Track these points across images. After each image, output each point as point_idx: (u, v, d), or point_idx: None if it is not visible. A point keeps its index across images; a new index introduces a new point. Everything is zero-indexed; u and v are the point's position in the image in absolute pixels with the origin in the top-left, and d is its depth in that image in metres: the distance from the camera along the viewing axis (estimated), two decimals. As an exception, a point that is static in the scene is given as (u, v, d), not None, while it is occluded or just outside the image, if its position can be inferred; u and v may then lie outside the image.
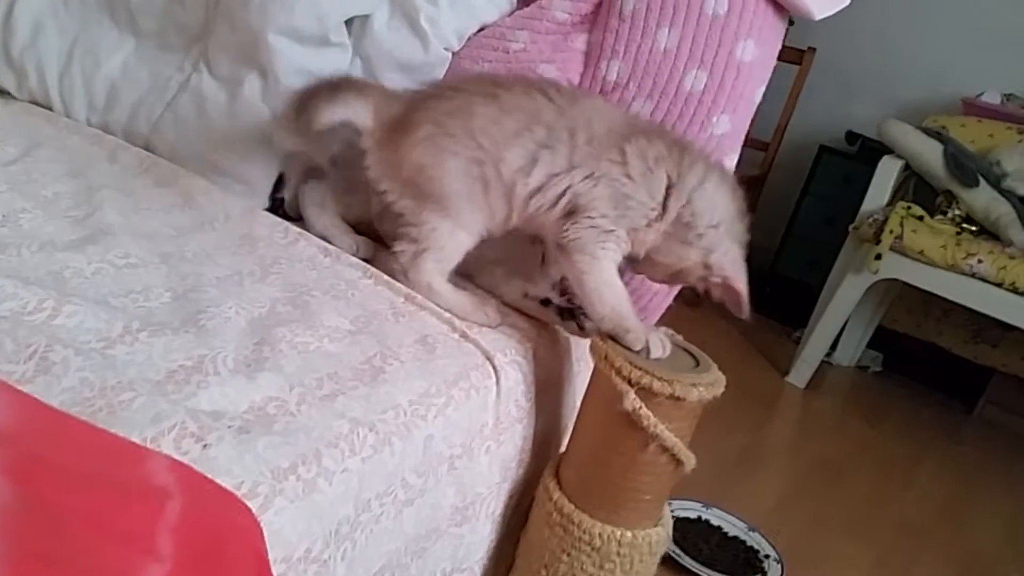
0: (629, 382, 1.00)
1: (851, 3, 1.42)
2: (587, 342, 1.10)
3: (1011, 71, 3.39)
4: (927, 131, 2.92)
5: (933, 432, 3.00)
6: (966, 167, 2.79)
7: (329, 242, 1.22)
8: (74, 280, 0.90)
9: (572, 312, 1.17)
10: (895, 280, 2.86)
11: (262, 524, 0.69)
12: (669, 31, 1.28)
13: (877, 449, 2.79)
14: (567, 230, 1.06)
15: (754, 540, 2.03)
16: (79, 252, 0.95)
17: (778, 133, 3.62)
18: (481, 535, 1.05)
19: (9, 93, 1.50)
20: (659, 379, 0.99)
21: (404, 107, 1.11)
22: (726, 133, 1.30)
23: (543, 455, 1.17)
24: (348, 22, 1.33)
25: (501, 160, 1.06)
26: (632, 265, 1.15)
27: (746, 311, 1.13)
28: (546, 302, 1.20)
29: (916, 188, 3.01)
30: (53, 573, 0.57)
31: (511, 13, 1.40)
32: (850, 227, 2.96)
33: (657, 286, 1.36)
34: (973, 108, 3.23)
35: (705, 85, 1.27)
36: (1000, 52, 3.41)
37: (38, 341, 0.75)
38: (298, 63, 1.29)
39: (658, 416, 1.00)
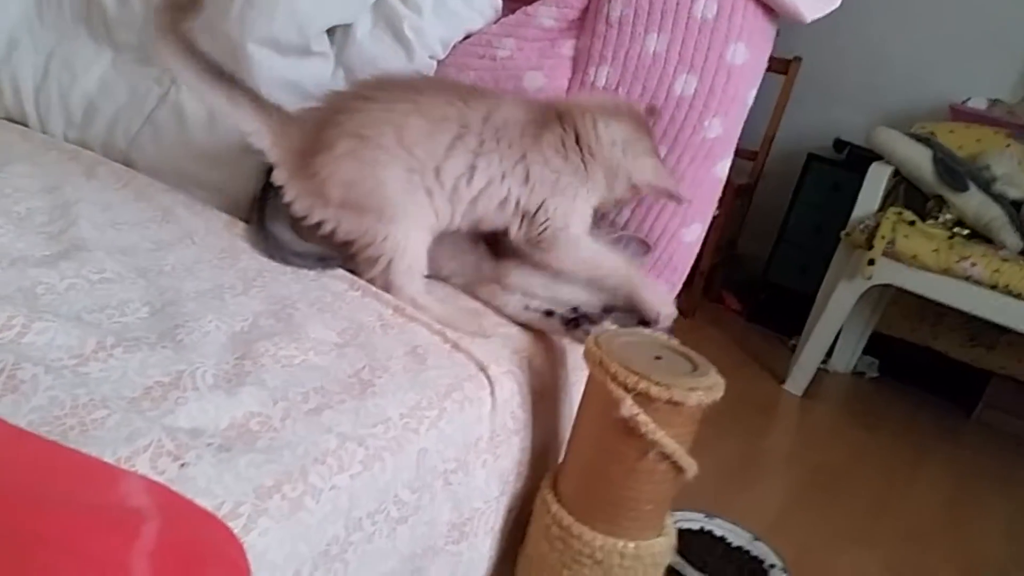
0: (625, 388, 0.96)
1: (836, 12, 1.40)
2: (581, 351, 1.07)
3: (997, 77, 3.39)
4: (915, 137, 2.91)
5: (932, 437, 2.97)
6: (956, 172, 2.78)
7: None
8: (46, 296, 0.86)
9: (577, 321, 1.14)
10: (889, 285, 2.85)
11: (245, 546, 0.65)
12: (658, 36, 1.26)
13: (877, 455, 2.76)
14: (533, 237, 1.13)
15: (759, 550, 1.99)
16: (52, 268, 0.91)
17: (766, 142, 3.63)
18: (481, 552, 1.01)
19: (-17, 111, 1.47)
20: (656, 384, 0.95)
21: (308, 128, 1.08)
22: (718, 137, 1.28)
23: (541, 467, 1.13)
24: (330, 32, 1.31)
25: (441, 169, 1.07)
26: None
27: (681, 198, 1.22)
28: (549, 313, 1.17)
29: (906, 194, 3.00)
30: (20, 603, 0.53)
31: (496, 21, 1.38)
32: (842, 233, 2.95)
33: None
34: (960, 114, 3.23)
35: (696, 89, 1.25)
36: (986, 58, 3.42)
37: (5, 359, 0.71)
38: (278, 74, 1.26)
39: (656, 422, 0.96)
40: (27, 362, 0.72)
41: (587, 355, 1.02)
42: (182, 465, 0.67)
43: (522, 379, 1.08)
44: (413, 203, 1.08)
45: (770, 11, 1.31)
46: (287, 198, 1.09)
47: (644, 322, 1.16)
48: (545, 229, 1.13)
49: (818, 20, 1.34)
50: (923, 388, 3.32)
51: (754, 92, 1.31)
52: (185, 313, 0.90)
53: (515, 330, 1.17)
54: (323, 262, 1.14)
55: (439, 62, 1.36)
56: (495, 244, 1.22)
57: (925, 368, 3.31)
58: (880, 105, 3.59)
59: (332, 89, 1.16)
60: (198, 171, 1.28)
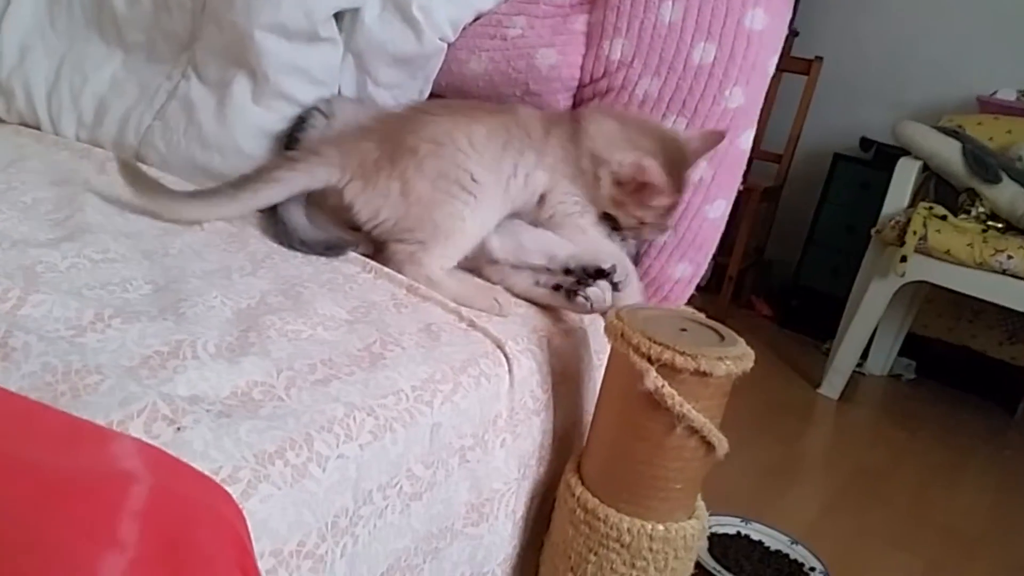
0: (649, 360, 0.92)
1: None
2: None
3: (1024, 67, 3.33)
4: (943, 130, 2.84)
5: (975, 437, 2.87)
6: (987, 163, 2.70)
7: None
8: (46, 274, 0.83)
9: (577, 292, 1.10)
10: (923, 283, 2.77)
11: (245, 512, 0.61)
12: (673, 4, 1.22)
13: (917, 457, 2.67)
14: (549, 210, 1.21)
15: (798, 553, 1.92)
16: (54, 249, 0.89)
17: (791, 144, 3.57)
18: (501, 536, 0.96)
19: (-1, 117, 1.46)
20: (681, 354, 0.91)
21: (378, 140, 1.14)
22: (740, 107, 1.23)
23: (564, 452, 1.08)
24: (338, 17, 1.29)
25: (499, 170, 1.16)
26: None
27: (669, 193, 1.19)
28: (557, 287, 1.13)
29: (937, 188, 2.92)
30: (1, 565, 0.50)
31: (507, -1, 1.35)
32: (872, 231, 2.88)
33: (674, 274, 1.30)
34: (989, 105, 3.16)
35: (715, 57, 1.21)
36: (1012, 48, 3.35)
37: (-2, 329, 0.69)
38: (287, 60, 1.24)
39: (683, 394, 0.92)
40: (20, 331, 0.70)
41: (608, 328, 0.98)
42: (178, 429, 0.64)
43: (541, 358, 1.04)
44: (488, 195, 1.14)
45: (786, -26, 1.27)
46: (355, 207, 1.13)
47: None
48: (555, 212, 1.20)
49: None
50: (962, 388, 3.21)
51: (775, 60, 1.26)
52: (189, 290, 0.87)
53: (534, 310, 1.13)
54: (330, 250, 1.12)
55: (449, 45, 1.34)
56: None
57: (963, 368, 3.21)
58: (905, 101, 3.53)
59: (384, 110, 1.27)
60: (208, 162, 1.26)
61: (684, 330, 0.99)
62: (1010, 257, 2.50)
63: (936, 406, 3.10)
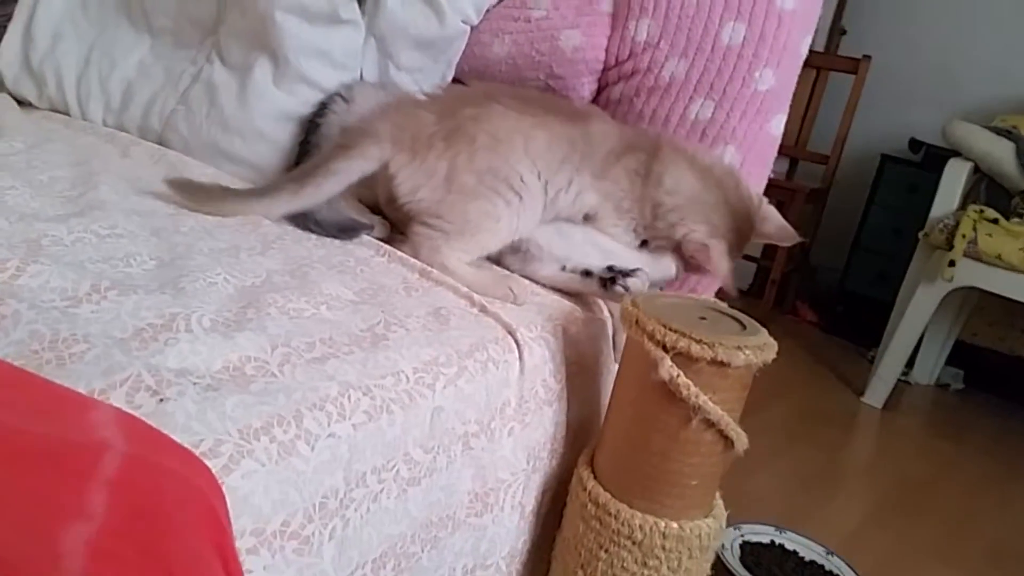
0: (664, 347, 0.88)
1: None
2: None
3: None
4: (996, 130, 2.74)
5: (1024, 451, 2.77)
6: (1043, 165, 2.61)
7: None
8: (50, 247, 0.82)
9: (614, 280, 1.07)
10: (972, 289, 2.68)
11: (224, 487, 0.59)
12: (701, -19, 1.18)
13: (964, 469, 2.58)
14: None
15: (834, 565, 1.85)
16: (61, 223, 0.88)
17: (838, 145, 3.50)
18: (507, 528, 0.93)
19: (31, 103, 1.47)
20: (698, 342, 0.87)
21: (437, 114, 1.11)
22: (771, 89, 1.19)
23: (578, 445, 1.05)
24: (362, 0, 1.27)
25: (550, 181, 1.13)
26: None
27: (729, 286, 1.20)
28: (587, 273, 1.10)
29: (988, 191, 2.82)
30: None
31: (532, -20, 1.32)
32: (920, 234, 2.79)
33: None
34: (1047, 105, 3.05)
35: (744, 38, 1.17)
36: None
37: (-9, 297, 0.68)
38: (308, 42, 1.23)
39: (699, 385, 0.88)
40: (12, 299, 0.69)
41: (623, 315, 0.94)
42: (161, 400, 0.62)
43: (555, 347, 1.01)
44: (532, 202, 1.12)
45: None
46: (398, 179, 1.09)
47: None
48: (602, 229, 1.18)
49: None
50: (1013, 400, 3.10)
51: (808, 41, 1.22)
52: (193, 266, 0.86)
53: (551, 298, 1.10)
54: (344, 232, 1.10)
55: (473, 28, 1.31)
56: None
57: (1015, 379, 3.10)
58: (956, 101, 3.42)
59: (455, 86, 1.28)
60: (230, 146, 1.26)
61: (703, 319, 0.95)
62: (1065, 263, 2.40)
63: (985, 417, 3.00)
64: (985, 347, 3.15)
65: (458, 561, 0.87)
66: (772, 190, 3.38)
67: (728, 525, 1.87)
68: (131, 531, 0.51)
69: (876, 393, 2.92)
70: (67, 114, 1.43)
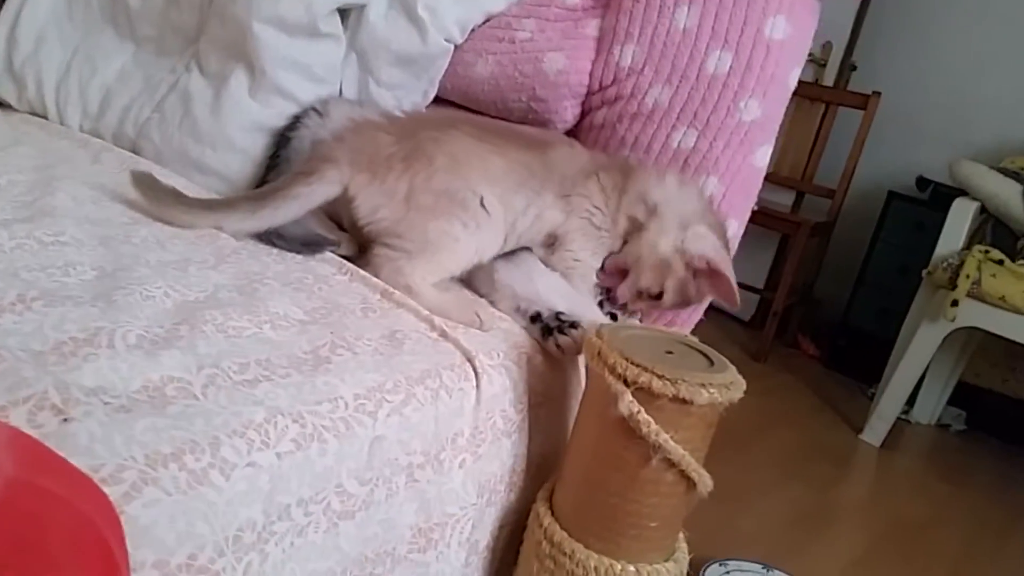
0: (625, 381, 0.84)
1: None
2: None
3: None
4: (1004, 171, 2.70)
5: (1027, 496, 2.70)
6: (1050, 207, 2.56)
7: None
8: (-13, 254, 0.79)
9: (558, 328, 1.03)
10: (975, 330, 2.62)
11: (123, 516, 0.55)
12: (689, 9, 1.15)
13: (963, 513, 2.50)
14: (557, 263, 1.14)
15: (816, 607, 1.80)
16: (3, 229, 0.85)
17: (845, 179, 3.45)
18: (452, 565, 0.88)
19: (10, 105, 1.45)
20: (660, 377, 0.83)
21: (396, 136, 1.09)
22: (756, 120, 1.15)
23: (539, 479, 1.00)
24: (344, 14, 1.24)
25: (508, 205, 1.11)
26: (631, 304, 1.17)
27: (735, 296, 1.13)
28: (535, 318, 1.06)
29: (994, 231, 2.77)
30: None
31: (518, 1, 1.29)
32: (923, 272, 2.74)
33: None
34: (1055, 148, 3.00)
35: (730, 67, 1.14)
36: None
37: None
38: (285, 54, 1.20)
39: (661, 423, 0.84)
40: (-75, 307, 0.65)
41: (586, 345, 0.91)
42: (64, 420, 0.58)
43: (517, 376, 0.97)
44: (491, 225, 1.09)
45: (815, -18, 1.19)
46: (357, 200, 1.07)
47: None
48: (557, 262, 1.15)
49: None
50: (1015, 443, 3.03)
51: (797, 73, 1.18)
52: (134, 278, 0.82)
53: (519, 327, 1.06)
54: (308, 247, 1.07)
55: (457, 47, 1.28)
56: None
57: (1017, 421, 3.03)
58: (965, 141, 3.37)
59: (416, 111, 1.27)
60: (201, 156, 1.23)
61: (670, 353, 0.91)
62: (1070, 307, 2.35)
63: (986, 460, 2.92)
64: (988, 388, 3.08)
65: (398, 599, 0.83)
66: (777, 222, 3.39)
67: (715, 560, 1.84)
68: (8, 564, 0.48)
69: (875, 431, 2.86)
70: (45, 118, 1.41)
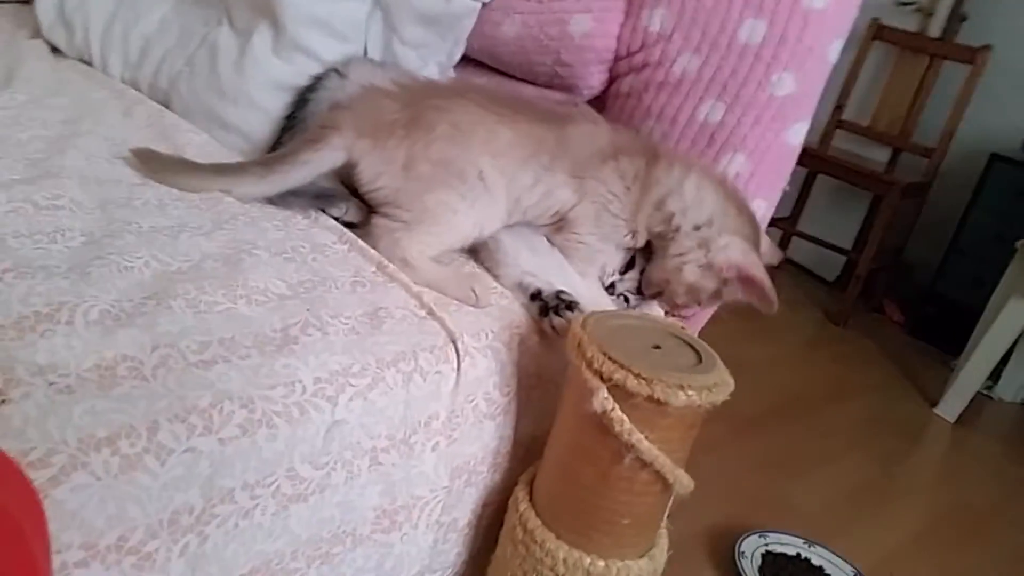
0: (601, 377, 0.81)
1: None
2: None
3: None
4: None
5: (1110, 487, 2.54)
6: None
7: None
8: (-20, 218, 0.82)
9: (555, 307, 1.00)
10: (1072, 308, 2.46)
11: (48, 500, 0.57)
12: (723, -28, 1.07)
13: (1032, 501, 2.39)
14: (561, 243, 1.12)
15: (857, 588, 1.75)
16: (4, 191, 0.87)
17: (945, 139, 3.24)
18: (419, 546, 0.88)
19: (62, 51, 1.49)
20: (636, 376, 0.80)
21: (401, 103, 1.07)
22: (790, 95, 1.08)
23: (529, 459, 0.99)
24: (370, -30, 1.22)
25: (513, 179, 1.08)
26: (656, 299, 1.15)
27: (772, 301, 1.05)
28: (536, 295, 1.03)
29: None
30: None
31: (549, -42, 1.24)
32: (1017, 243, 2.57)
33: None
34: None
35: (764, 37, 1.06)
36: None
37: None
38: (308, 11, 1.18)
39: (635, 422, 0.81)
40: None
41: (569, 336, 0.88)
42: (2, 402, 0.60)
43: (506, 358, 0.95)
44: (490, 198, 1.07)
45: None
46: (359, 166, 1.06)
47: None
48: (564, 246, 1.13)
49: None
50: (1108, 429, 2.86)
51: (838, 45, 1.09)
52: (119, 246, 0.84)
53: (518, 304, 1.04)
54: (320, 199, 1.08)
55: (484, 5, 1.24)
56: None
57: (1112, 406, 2.85)
58: (1080, 103, 3.12)
59: (427, 77, 1.21)
60: (224, 112, 1.23)
61: (657, 347, 0.87)
62: None
63: (1070, 446, 2.76)
64: (1082, 369, 2.90)
65: (358, 578, 0.84)
66: (869, 181, 3.22)
67: (755, 531, 1.80)
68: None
69: (950, 406, 2.74)
70: (91, 64, 1.44)
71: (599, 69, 1.20)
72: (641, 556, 0.90)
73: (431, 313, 0.93)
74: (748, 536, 1.79)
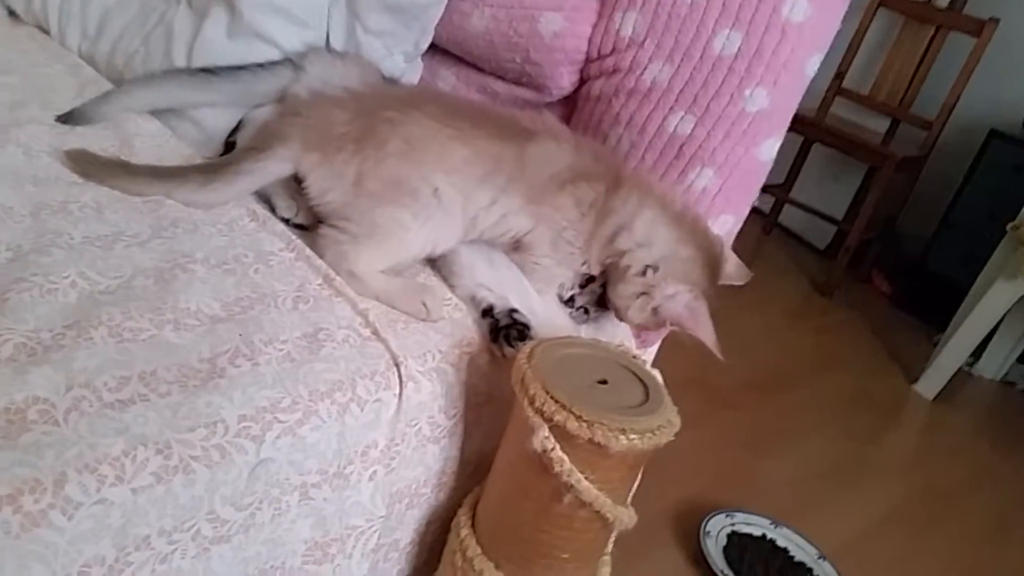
0: (542, 416, 0.79)
1: None
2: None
3: None
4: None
5: (1084, 472, 2.55)
6: None
7: (269, 201, 1.07)
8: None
9: (507, 331, 0.97)
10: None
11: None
12: (699, -22, 1.02)
13: (1005, 483, 2.39)
14: (519, 262, 1.08)
15: (823, 571, 1.77)
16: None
17: (945, 111, 3.18)
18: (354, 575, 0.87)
19: (19, 16, 1.43)
20: (577, 417, 0.78)
21: (352, 114, 1.02)
22: (763, 111, 1.03)
23: (477, 477, 0.98)
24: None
25: (469, 198, 1.03)
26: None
27: (717, 355, 1.01)
28: (488, 311, 1.00)
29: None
30: None
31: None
32: (1008, 225, 2.54)
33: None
34: None
35: (739, 49, 1.01)
36: None
37: None
38: (266, -6, 1.13)
39: (576, 462, 0.79)
40: None
41: (513, 367, 0.85)
42: None
43: (455, 379, 0.92)
44: (444, 217, 1.03)
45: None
46: (307, 180, 1.02)
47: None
48: (527, 260, 1.08)
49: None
50: (1086, 411, 2.87)
51: (816, 60, 1.04)
52: (43, 264, 0.80)
53: (472, 317, 1.01)
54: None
55: (452, -2, 1.18)
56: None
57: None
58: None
59: (380, 83, 1.17)
60: (178, 98, 1.18)
61: (604, 382, 0.85)
62: None
63: (1046, 427, 2.77)
64: (1064, 351, 2.90)
65: (291, 607, 0.82)
66: (865, 152, 3.16)
67: (721, 510, 1.80)
68: None
69: (930, 383, 2.75)
70: (48, 33, 1.38)
71: (569, 70, 1.15)
72: (581, 589, 0.89)
73: (375, 333, 0.90)
74: (715, 515, 1.80)
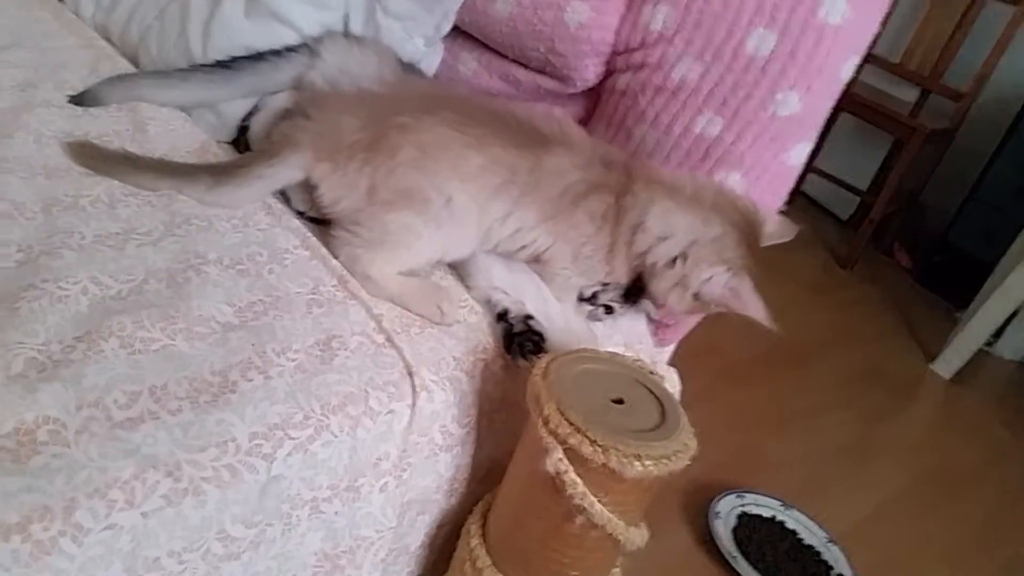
0: (556, 437, 0.78)
1: None
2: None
3: None
4: None
5: (1098, 457, 2.52)
6: None
7: (284, 194, 1.05)
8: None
9: (520, 341, 0.95)
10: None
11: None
12: (734, -27, 0.98)
13: (1019, 465, 2.36)
14: (539, 270, 1.06)
15: (831, 555, 1.76)
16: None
17: (977, 83, 3.09)
18: (363, 585, 0.87)
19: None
20: (591, 442, 0.76)
21: (363, 121, 1.00)
22: (793, 115, 1.00)
23: (489, 482, 0.97)
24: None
25: (483, 209, 1.01)
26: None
27: (769, 328, 1.00)
28: (502, 315, 0.99)
29: None
30: None
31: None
32: (1039, 203, 2.49)
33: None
34: None
35: (772, 51, 0.97)
36: None
37: None
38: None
39: (589, 484, 0.78)
40: None
41: (529, 385, 0.84)
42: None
43: (468, 387, 0.91)
44: (458, 227, 1.01)
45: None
46: (320, 189, 1.00)
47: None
48: (547, 270, 1.07)
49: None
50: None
51: (852, 64, 1.00)
52: (56, 268, 0.79)
53: (486, 322, 1.00)
54: None
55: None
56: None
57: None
58: None
59: (395, 76, 1.14)
60: (192, 81, 1.15)
61: (619, 402, 0.83)
62: None
63: (1064, 410, 2.74)
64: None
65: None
66: (892, 124, 3.08)
67: (732, 491, 1.80)
68: None
69: (948, 362, 2.71)
70: (63, 1, 1.35)
71: (594, 62, 1.11)
72: (589, 604, 0.89)
73: (389, 340, 0.89)
74: (725, 495, 1.79)
